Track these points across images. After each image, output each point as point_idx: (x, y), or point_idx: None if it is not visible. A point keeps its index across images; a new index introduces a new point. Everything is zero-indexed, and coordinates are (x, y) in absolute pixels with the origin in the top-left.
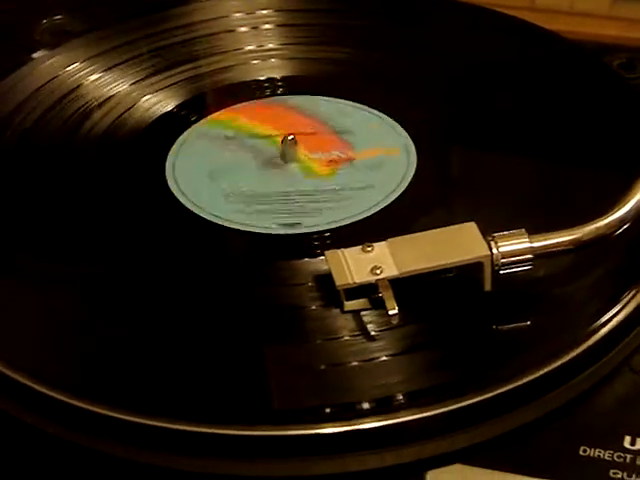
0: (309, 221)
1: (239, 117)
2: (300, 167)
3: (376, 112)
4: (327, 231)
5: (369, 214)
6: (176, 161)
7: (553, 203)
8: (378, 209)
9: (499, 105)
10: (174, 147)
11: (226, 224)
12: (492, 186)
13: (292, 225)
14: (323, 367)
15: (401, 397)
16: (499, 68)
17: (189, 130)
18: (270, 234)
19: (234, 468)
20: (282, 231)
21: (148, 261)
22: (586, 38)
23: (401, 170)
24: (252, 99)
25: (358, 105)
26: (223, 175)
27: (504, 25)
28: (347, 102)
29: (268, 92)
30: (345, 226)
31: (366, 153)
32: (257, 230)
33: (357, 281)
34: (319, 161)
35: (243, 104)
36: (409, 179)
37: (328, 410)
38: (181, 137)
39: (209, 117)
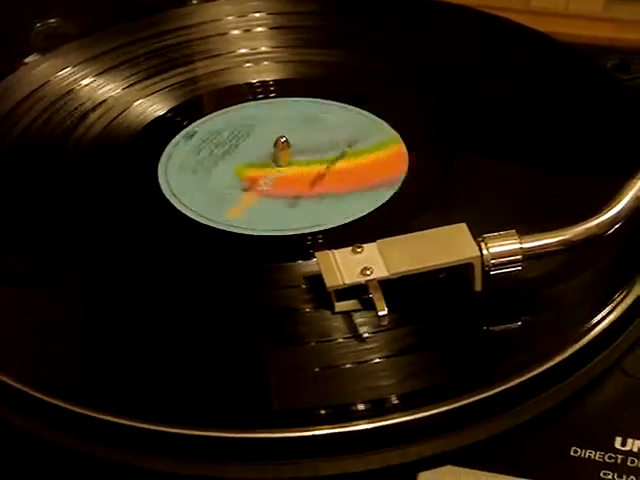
0: (179, 151)
1: None
2: (257, 167)
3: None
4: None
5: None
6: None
7: (546, 203)
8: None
9: (492, 107)
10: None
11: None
12: (484, 188)
13: (191, 135)
14: (317, 369)
15: (392, 399)
16: (492, 70)
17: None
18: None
19: (225, 471)
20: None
21: (142, 265)
22: (581, 40)
23: None
24: None
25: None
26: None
27: (496, 27)
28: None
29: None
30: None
31: (245, 201)
32: None
33: (347, 282)
34: (264, 180)
35: None
36: None
37: (321, 412)
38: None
39: None
